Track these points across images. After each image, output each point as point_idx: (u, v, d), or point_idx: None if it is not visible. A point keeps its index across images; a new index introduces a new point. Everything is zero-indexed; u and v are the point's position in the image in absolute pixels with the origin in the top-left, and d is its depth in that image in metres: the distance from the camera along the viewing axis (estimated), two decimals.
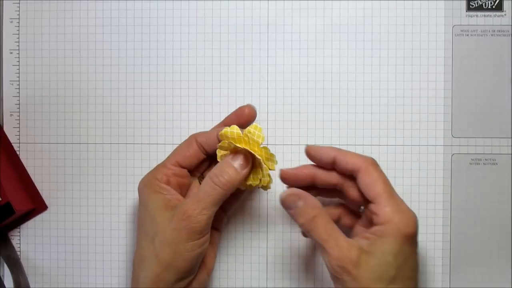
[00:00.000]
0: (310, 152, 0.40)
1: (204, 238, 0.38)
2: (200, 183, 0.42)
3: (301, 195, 0.38)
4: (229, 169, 0.38)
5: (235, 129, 0.39)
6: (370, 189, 0.37)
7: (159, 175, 0.40)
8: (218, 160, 0.40)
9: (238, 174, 0.38)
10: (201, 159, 0.41)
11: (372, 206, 0.37)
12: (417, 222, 0.36)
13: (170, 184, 0.40)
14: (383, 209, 0.36)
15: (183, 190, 0.41)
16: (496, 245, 0.44)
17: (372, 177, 0.37)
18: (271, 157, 0.39)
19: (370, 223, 0.37)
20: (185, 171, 0.41)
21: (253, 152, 0.38)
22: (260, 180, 0.39)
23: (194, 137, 0.41)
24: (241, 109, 0.43)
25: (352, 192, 0.39)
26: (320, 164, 0.40)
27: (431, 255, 0.44)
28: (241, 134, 0.39)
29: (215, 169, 0.39)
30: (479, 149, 0.44)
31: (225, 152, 0.39)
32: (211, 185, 0.38)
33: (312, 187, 0.40)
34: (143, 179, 0.40)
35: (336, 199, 0.41)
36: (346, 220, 0.41)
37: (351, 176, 0.39)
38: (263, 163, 0.39)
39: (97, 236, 0.46)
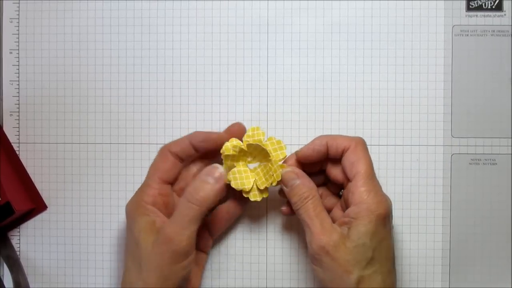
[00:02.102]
0: (302, 156, 0.41)
1: (188, 260, 0.38)
2: None
3: (300, 174, 0.40)
4: (203, 185, 0.39)
5: (235, 141, 0.41)
6: (352, 167, 0.38)
7: (145, 196, 0.40)
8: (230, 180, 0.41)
9: (212, 188, 0.39)
10: (180, 169, 0.41)
11: (350, 185, 0.38)
12: (389, 205, 0.38)
13: (156, 205, 0.40)
14: (359, 188, 0.38)
15: (169, 209, 0.41)
16: (496, 245, 0.44)
17: (357, 156, 0.39)
18: (279, 145, 0.41)
19: (347, 207, 0.39)
20: (169, 188, 0.41)
21: (261, 145, 0.40)
22: (273, 176, 0.40)
23: (166, 149, 0.41)
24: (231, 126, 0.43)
25: (334, 172, 0.41)
26: (316, 158, 0.40)
27: (431, 255, 0.44)
28: (241, 143, 0.40)
29: (189, 188, 0.39)
30: (479, 149, 0.44)
31: (230, 163, 0.41)
32: (187, 204, 0.38)
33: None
34: (130, 202, 0.40)
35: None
36: (327, 202, 0.42)
37: (338, 159, 0.40)
38: (273, 164, 0.40)
39: (97, 236, 0.46)
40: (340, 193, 0.42)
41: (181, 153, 0.41)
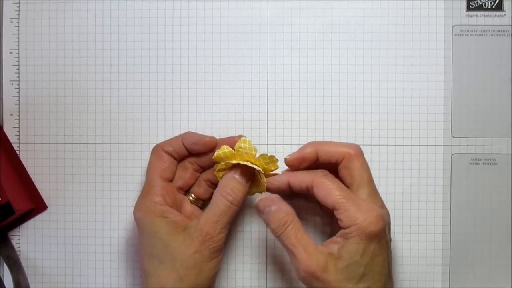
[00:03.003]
0: (291, 162, 0.40)
1: (221, 255, 0.40)
2: (187, 198, 0.43)
3: (275, 200, 0.39)
4: (238, 185, 0.39)
5: (226, 149, 0.40)
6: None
7: (155, 197, 0.40)
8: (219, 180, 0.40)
9: (245, 187, 0.40)
10: (176, 166, 0.42)
11: (335, 213, 0.37)
12: (384, 220, 0.37)
13: (168, 203, 0.40)
14: (343, 213, 0.37)
15: (178, 206, 0.41)
16: (496, 245, 0.44)
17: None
18: (271, 160, 0.40)
19: (339, 219, 0.38)
20: (172, 185, 0.41)
21: (250, 164, 0.39)
22: (262, 186, 0.40)
23: (160, 149, 0.41)
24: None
25: (319, 193, 0.39)
26: (306, 166, 0.40)
27: (431, 255, 0.44)
28: (234, 152, 0.40)
29: (224, 187, 0.39)
30: (479, 149, 0.44)
31: (224, 173, 0.40)
32: (226, 203, 0.39)
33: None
34: (140, 206, 0.40)
35: None
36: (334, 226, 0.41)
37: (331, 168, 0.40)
38: (261, 172, 0.40)
39: (97, 236, 0.46)
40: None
41: (174, 153, 0.41)
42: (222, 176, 0.40)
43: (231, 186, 0.39)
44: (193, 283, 0.38)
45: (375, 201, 0.38)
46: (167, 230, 0.38)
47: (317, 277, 0.36)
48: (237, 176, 0.40)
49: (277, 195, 0.40)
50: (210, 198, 0.42)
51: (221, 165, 0.40)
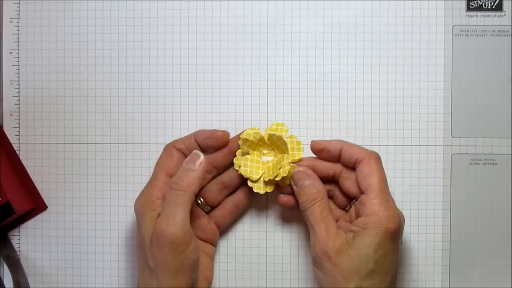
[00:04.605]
0: (315, 146, 0.41)
1: (189, 249, 0.38)
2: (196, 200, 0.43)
3: (311, 175, 0.40)
4: (187, 172, 0.39)
5: (256, 129, 0.42)
6: (365, 180, 0.38)
7: (154, 190, 0.40)
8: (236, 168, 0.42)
9: (195, 174, 0.39)
10: None
11: (362, 197, 0.38)
12: (401, 221, 0.38)
13: (159, 205, 0.40)
14: (371, 200, 0.38)
15: None
16: (496, 245, 0.44)
17: (370, 169, 0.39)
18: (297, 145, 0.42)
19: (356, 218, 0.39)
20: None
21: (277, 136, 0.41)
22: (280, 171, 0.41)
23: (172, 146, 0.41)
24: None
25: (347, 183, 0.40)
26: (326, 156, 0.41)
27: (431, 255, 0.44)
28: (262, 134, 0.42)
29: (173, 178, 0.39)
30: (479, 149, 0.44)
31: (244, 160, 0.42)
32: (172, 192, 0.38)
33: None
34: (138, 199, 0.40)
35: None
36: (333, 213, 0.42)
37: (350, 168, 0.40)
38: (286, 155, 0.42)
39: (97, 236, 0.46)
40: (346, 208, 0.42)
41: (186, 150, 0.41)
42: (242, 152, 0.42)
43: (178, 175, 0.39)
44: (169, 282, 0.37)
45: (386, 207, 0.38)
46: (148, 224, 0.38)
47: (329, 257, 0.37)
48: (185, 165, 0.39)
49: (312, 172, 0.40)
50: (219, 203, 0.43)
51: (248, 135, 0.41)
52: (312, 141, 0.41)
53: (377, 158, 0.39)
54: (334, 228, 0.38)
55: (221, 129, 0.43)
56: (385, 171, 0.44)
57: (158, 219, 0.38)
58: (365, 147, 0.44)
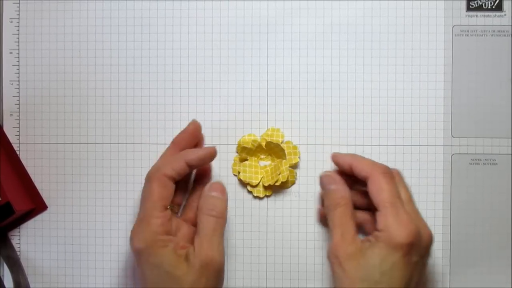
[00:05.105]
0: (332, 159, 0.42)
1: (223, 274, 0.40)
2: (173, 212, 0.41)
3: (337, 180, 0.40)
4: (217, 200, 0.39)
5: (252, 136, 0.44)
6: (374, 197, 0.38)
7: (157, 228, 0.38)
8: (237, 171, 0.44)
9: (224, 200, 0.40)
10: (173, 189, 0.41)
11: (376, 213, 0.38)
12: (415, 236, 0.37)
13: (168, 232, 0.39)
14: (382, 217, 0.37)
15: (175, 230, 0.40)
16: (496, 245, 0.44)
17: (378, 186, 0.38)
18: (294, 150, 0.43)
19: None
20: (169, 210, 0.40)
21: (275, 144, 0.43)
22: (279, 176, 0.43)
23: (162, 175, 0.39)
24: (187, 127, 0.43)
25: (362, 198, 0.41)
26: (342, 169, 0.41)
27: (431, 255, 0.44)
28: (258, 140, 0.43)
29: (205, 206, 0.39)
30: (479, 149, 0.44)
31: (240, 165, 0.44)
32: (212, 220, 0.39)
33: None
34: (140, 237, 0.38)
35: None
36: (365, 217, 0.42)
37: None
38: (284, 159, 0.43)
39: (97, 236, 0.46)
40: None
41: (177, 176, 0.40)
42: (240, 159, 0.44)
43: (210, 203, 0.39)
44: None
45: (398, 223, 0.37)
46: (171, 260, 0.37)
47: (340, 262, 0.37)
48: (213, 193, 0.40)
49: (339, 177, 0.41)
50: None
51: (246, 142, 0.43)
52: (332, 154, 0.42)
53: (385, 173, 0.39)
54: (350, 235, 0.38)
55: (211, 146, 0.43)
56: None
57: (202, 248, 0.38)
58: (365, 147, 0.44)
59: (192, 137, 0.43)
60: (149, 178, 0.40)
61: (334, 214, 0.39)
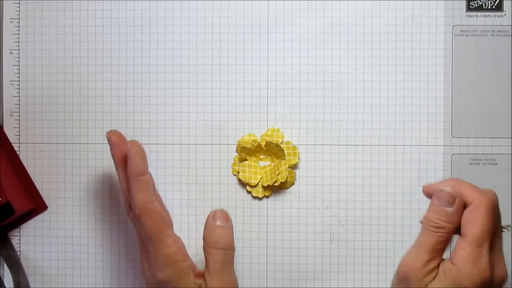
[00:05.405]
0: (425, 191, 0.38)
1: None
2: None
3: (457, 202, 0.35)
4: (222, 230, 0.39)
5: (252, 136, 0.44)
6: (465, 227, 0.35)
7: (181, 258, 0.38)
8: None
9: (229, 229, 0.39)
10: None
11: (458, 239, 0.35)
12: (487, 283, 0.34)
13: (183, 256, 0.39)
14: (460, 250, 0.34)
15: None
16: None
17: (474, 217, 0.34)
18: (293, 151, 0.44)
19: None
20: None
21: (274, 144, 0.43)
22: (278, 177, 0.43)
23: (148, 207, 0.38)
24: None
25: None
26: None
27: None
28: (258, 140, 0.43)
29: (211, 236, 0.38)
30: (479, 149, 0.44)
31: (240, 165, 0.44)
32: (220, 252, 0.38)
33: None
34: (166, 269, 0.38)
35: None
36: None
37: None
38: (283, 160, 0.43)
39: (97, 236, 0.46)
40: None
41: (154, 192, 0.40)
42: (240, 158, 0.44)
43: (215, 234, 0.38)
44: None
45: (474, 263, 0.34)
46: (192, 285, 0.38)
47: (398, 278, 0.35)
48: (218, 223, 0.39)
49: (460, 200, 0.36)
50: None
51: (246, 142, 0.43)
52: (423, 187, 0.38)
53: (487, 205, 0.35)
54: (423, 256, 0.35)
55: (131, 140, 0.40)
56: (385, 171, 0.44)
57: (210, 283, 0.38)
58: (365, 147, 0.44)
59: (122, 147, 0.40)
60: (139, 216, 0.38)
61: (427, 232, 0.35)
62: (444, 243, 0.35)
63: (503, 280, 0.35)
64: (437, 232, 0.35)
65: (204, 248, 0.39)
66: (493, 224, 0.35)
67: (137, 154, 0.38)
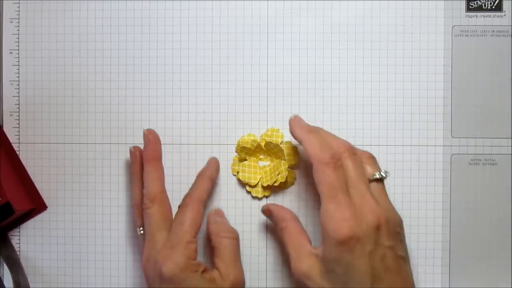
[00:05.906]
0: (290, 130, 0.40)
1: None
2: None
3: (272, 209, 0.41)
4: (225, 223, 0.43)
5: (252, 136, 0.44)
6: (318, 189, 0.37)
7: (192, 253, 0.39)
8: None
9: (227, 222, 0.44)
10: None
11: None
12: (353, 228, 0.34)
13: (195, 255, 0.40)
14: (321, 212, 0.36)
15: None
16: (496, 245, 0.44)
17: (318, 177, 0.36)
18: (293, 151, 0.44)
19: None
20: None
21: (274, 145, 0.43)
22: (278, 176, 0.43)
23: (201, 202, 0.41)
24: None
25: None
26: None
27: (431, 255, 0.44)
28: (258, 140, 0.44)
29: (221, 227, 0.42)
30: (479, 149, 0.44)
31: (239, 165, 0.44)
32: (230, 241, 0.41)
33: None
34: (175, 264, 0.38)
35: None
36: None
37: None
38: (283, 161, 0.43)
39: (97, 236, 0.46)
40: None
41: (208, 196, 0.42)
42: (239, 158, 0.44)
43: (224, 226, 0.42)
44: None
45: (332, 217, 0.35)
46: (201, 284, 0.38)
47: (308, 276, 0.37)
48: (218, 219, 0.43)
49: (274, 203, 0.43)
50: None
51: (245, 142, 0.44)
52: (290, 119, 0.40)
53: (323, 163, 0.36)
54: (304, 250, 0.38)
55: (211, 157, 0.44)
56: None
57: (229, 271, 0.40)
58: (365, 147, 0.44)
59: (159, 143, 0.43)
60: (184, 205, 0.40)
61: (282, 239, 0.40)
62: (298, 232, 0.39)
63: (377, 223, 0.34)
64: (282, 232, 0.40)
65: (215, 239, 0.41)
66: (334, 175, 0.35)
67: (156, 140, 0.42)
